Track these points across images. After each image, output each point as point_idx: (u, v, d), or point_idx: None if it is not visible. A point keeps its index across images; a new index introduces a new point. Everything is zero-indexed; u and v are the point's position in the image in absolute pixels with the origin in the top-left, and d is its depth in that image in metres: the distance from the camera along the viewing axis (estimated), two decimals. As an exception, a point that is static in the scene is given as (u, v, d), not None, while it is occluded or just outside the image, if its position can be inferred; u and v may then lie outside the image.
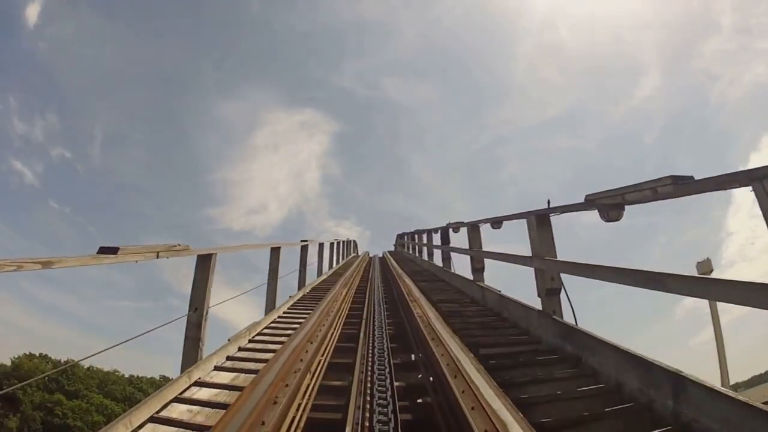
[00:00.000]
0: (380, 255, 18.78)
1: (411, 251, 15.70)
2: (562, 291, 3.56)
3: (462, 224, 7.53)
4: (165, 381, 37.92)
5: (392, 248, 22.43)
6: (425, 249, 11.93)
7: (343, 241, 16.37)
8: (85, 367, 40.11)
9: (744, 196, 1.75)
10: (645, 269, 2.52)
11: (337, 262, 13.53)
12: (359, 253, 20.48)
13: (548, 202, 3.69)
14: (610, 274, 2.83)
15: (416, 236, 14.64)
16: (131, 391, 42.39)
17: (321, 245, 10.59)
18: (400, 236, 21.06)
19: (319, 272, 10.06)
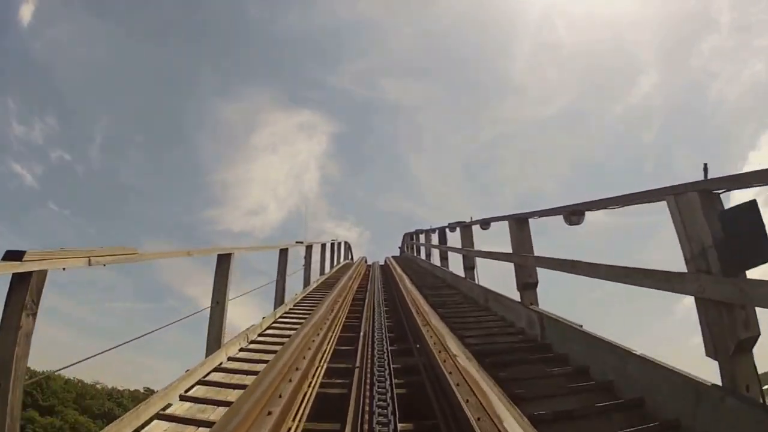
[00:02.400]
0: (381, 262, 14.58)
1: (439, 263, 10.13)
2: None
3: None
4: (150, 392, 37.87)
5: (397, 252, 18.97)
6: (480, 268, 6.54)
7: (332, 244, 12.62)
8: (67, 378, 39.83)
9: (741, 196, 2.10)
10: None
11: (315, 279, 9.29)
12: (354, 260, 16.66)
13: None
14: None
15: (441, 234, 10.10)
16: (110, 407, 42.15)
17: (283, 252, 6.25)
18: (411, 236, 16.50)
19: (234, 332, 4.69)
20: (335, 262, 13.34)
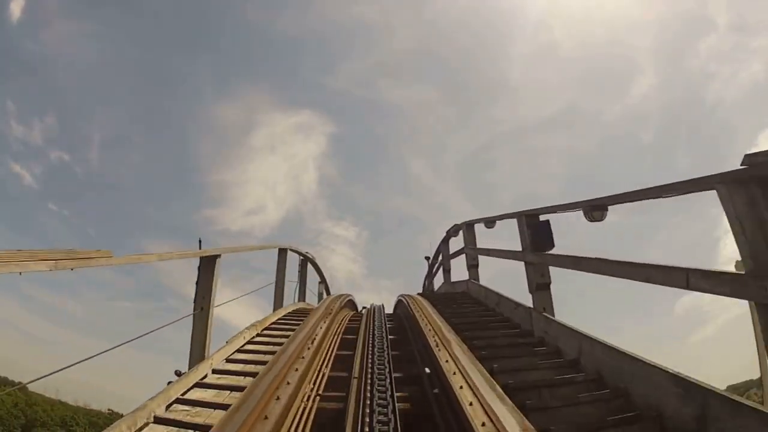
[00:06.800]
0: (388, 308, 7.83)
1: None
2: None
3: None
4: (116, 416, 38.56)
5: (409, 279, 14.65)
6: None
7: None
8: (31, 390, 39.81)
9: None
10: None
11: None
12: (325, 297, 9.36)
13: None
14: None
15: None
16: (63, 437, 42.37)
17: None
18: (462, 229, 8.28)
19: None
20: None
